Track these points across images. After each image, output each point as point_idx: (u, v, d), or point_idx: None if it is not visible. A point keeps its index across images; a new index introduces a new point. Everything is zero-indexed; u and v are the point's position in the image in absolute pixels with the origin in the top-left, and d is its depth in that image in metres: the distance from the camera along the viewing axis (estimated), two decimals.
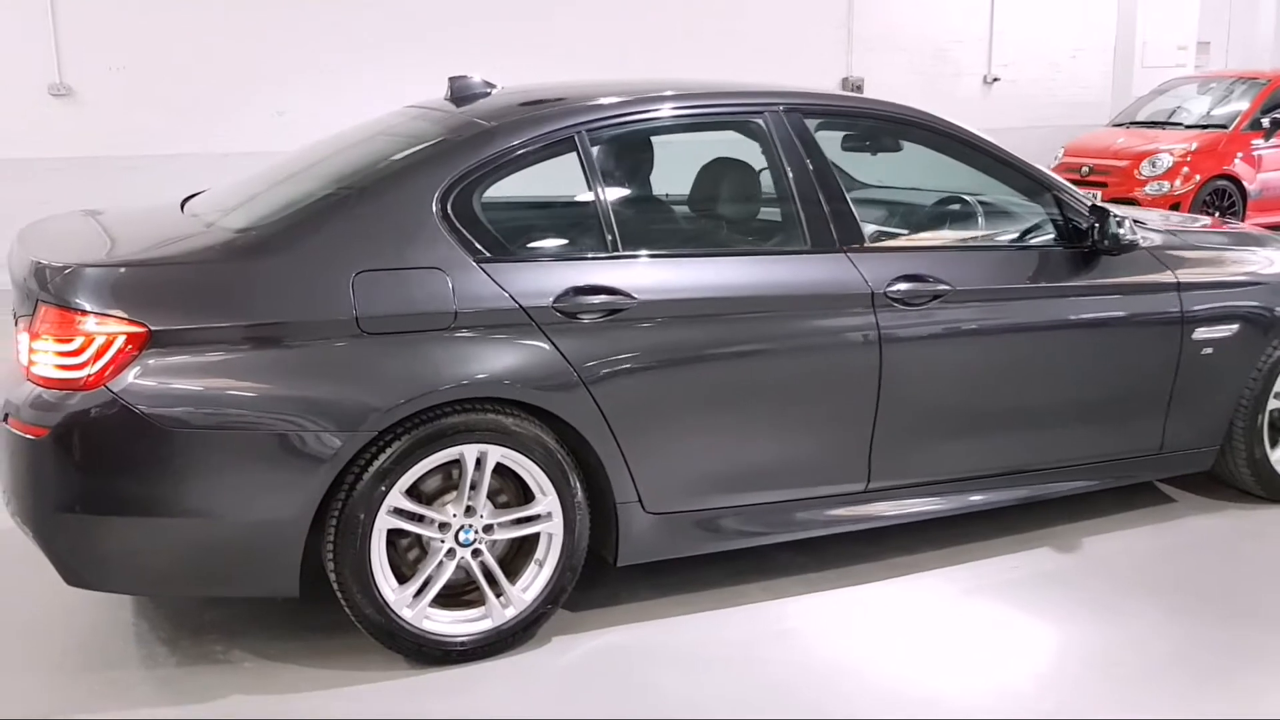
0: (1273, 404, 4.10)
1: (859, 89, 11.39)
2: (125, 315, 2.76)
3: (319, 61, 9.20)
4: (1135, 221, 3.99)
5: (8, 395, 2.89)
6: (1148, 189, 10.22)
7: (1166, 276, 3.84)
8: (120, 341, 2.75)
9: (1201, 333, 3.88)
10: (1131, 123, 11.29)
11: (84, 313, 2.77)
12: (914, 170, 4.32)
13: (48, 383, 2.79)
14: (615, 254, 3.21)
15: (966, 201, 3.96)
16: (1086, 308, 3.75)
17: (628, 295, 3.14)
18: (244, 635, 3.25)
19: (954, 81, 11.97)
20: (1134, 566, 3.72)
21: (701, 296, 3.24)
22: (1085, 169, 10.71)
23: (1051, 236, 3.80)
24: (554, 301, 3.07)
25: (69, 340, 2.76)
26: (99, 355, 2.75)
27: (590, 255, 3.21)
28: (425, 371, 2.93)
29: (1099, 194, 10.44)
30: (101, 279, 2.82)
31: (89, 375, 2.75)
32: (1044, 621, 3.37)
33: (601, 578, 3.49)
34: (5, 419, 2.87)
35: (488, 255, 3.07)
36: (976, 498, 3.73)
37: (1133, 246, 3.70)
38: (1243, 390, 4.02)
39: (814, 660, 3.16)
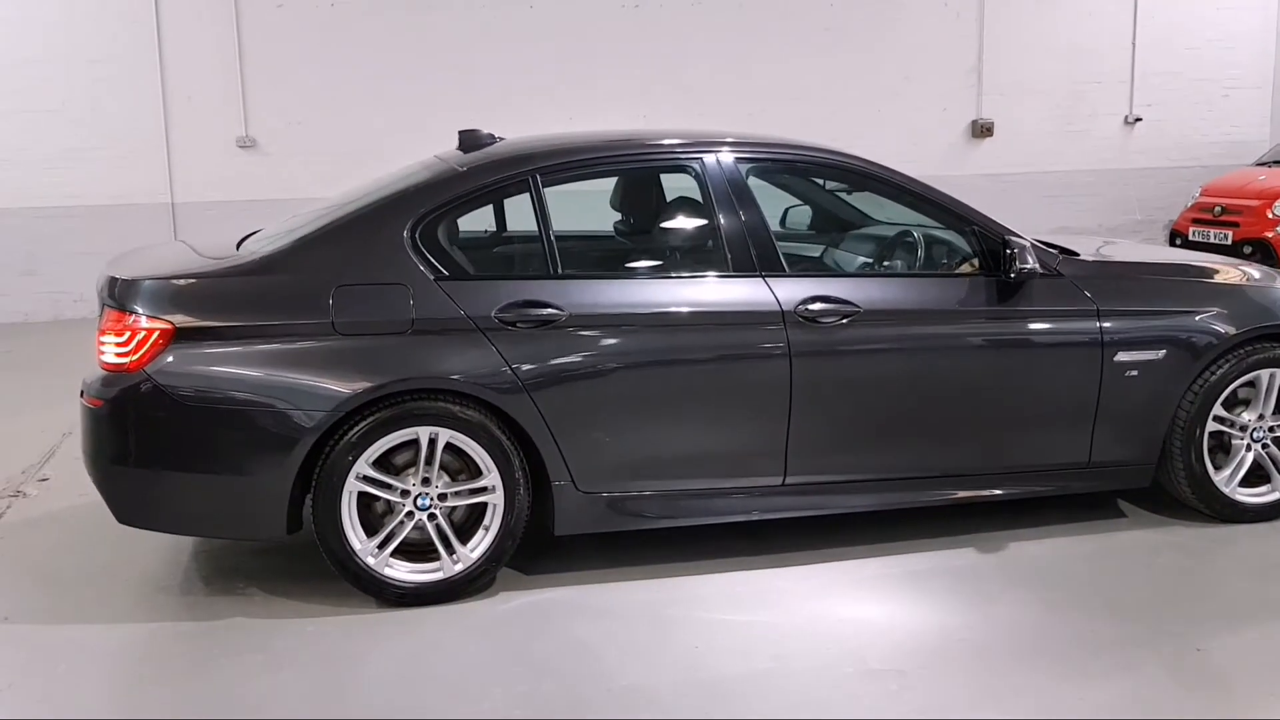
0: (1211, 425, 4.33)
1: (989, 131, 11.61)
2: (158, 315, 3.64)
3: (473, 118, 10.25)
4: (1066, 253, 4.35)
5: (86, 378, 3.82)
6: None
7: (1086, 304, 4.18)
8: (155, 336, 3.63)
9: (1125, 356, 4.19)
10: (1275, 162, 11.04)
11: (132, 313, 3.67)
12: (856, 206, 4.80)
13: (107, 367, 3.70)
14: (553, 275, 3.89)
15: (889, 233, 4.42)
16: (997, 330, 4.14)
17: (558, 309, 3.80)
18: (260, 576, 4.07)
19: (1090, 122, 11.97)
20: (1039, 568, 4.06)
21: (624, 311, 3.87)
22: (1218, 209, 10.57)
23: (969, 266, 4.21)
24: (496, 312, 3.77)
25: (121, 334, 3.66)
26: (140, 346, 3.64)
27: (532, 276, 3.91)
28: (385, 366, 3.68)
29: (1230, 234, 10.33)
30: (144, 288, 3.71)
31: (132, 361, 3.64)
32: (924, 606, 3.79)
33: (564, 549, 4.14)
34: (82, 395, 3.80)
35: (446, 275, 3.80)
36: (894, 497, 4.18)
37: (1031, 275, 4.07)
38: (1177, 411, 4.28)
39: (711, 620, 3.70)
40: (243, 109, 10.01)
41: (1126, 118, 12.11)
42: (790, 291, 3.98)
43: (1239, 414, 4.40)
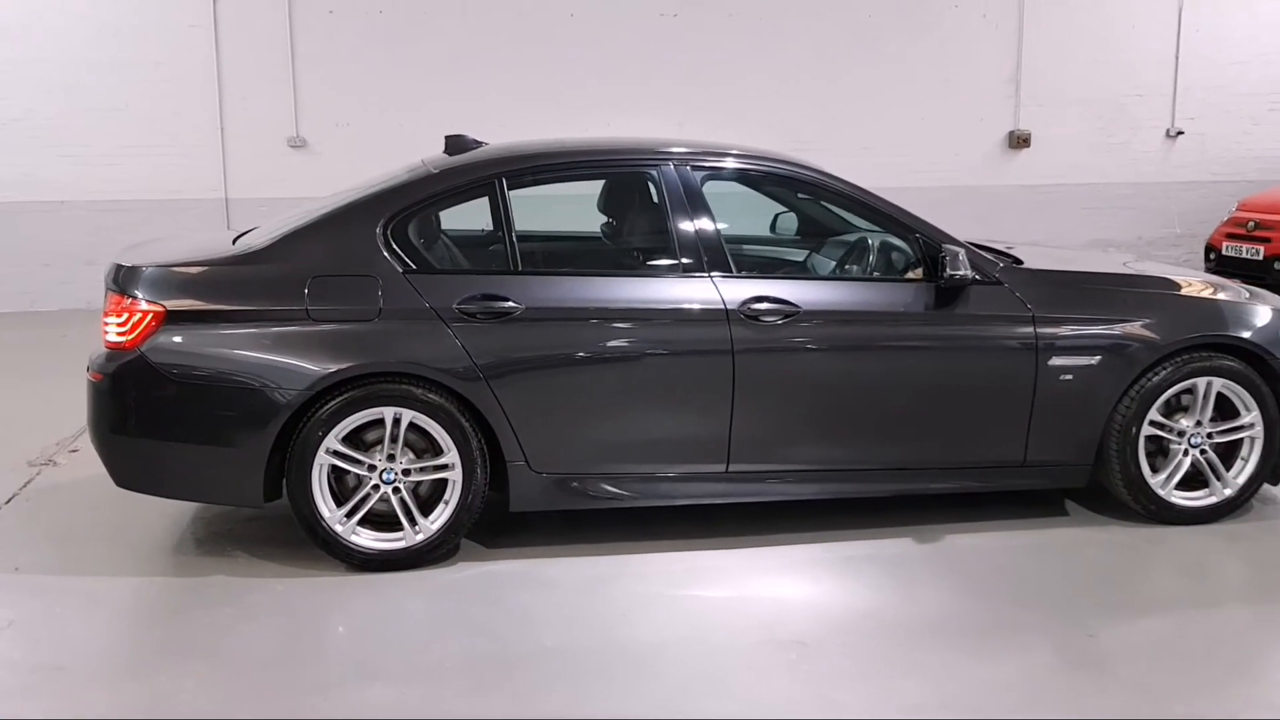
0: (1148, 429, 4.51)
1: (1025, 142, 11.69)
2: (152, 299, 4.04)
3: (514, 121, 10.64)
4: (1013, 260, 4.57)
5: (91, 355, 4.24)
6: None
7: (1022, 310, 4.38)
8: (149, 318, 4.03)
9: (1060, 361, 4.39)
10: None
11: (131, 297, 4.08)
12: (808, 213, 5.05)
13: (108, 345, 4.12)
14: (512, 271, 4.22)
15: (848, 239, 4.66)
16: (931, 332, 4.37)
17: (516, 302, 4.13)
18: (246, 540, 4.47)
19: (1130, 134, 11.97)
20: (968, 558, 4.29)
21: (577, 306, 4.19)
22: (1251, 224, 10.54)
23: (911, 272, 4.44)
24: (457, 304, 4.11)
25: (120, 316, 4.07)
26: (135, 327, 4.04)
27: (493, 272, 4.25)
28: (353, 350, 4.04)
29: (1262, 249, 10.30)
30: (142, 275, 4.11)
31: (129, 340, 4.05)
32: (845, 588, 4.05)
33: (528, 526, 4.47)
34: (88, 370, 4.22)
35: (414, 268, 4.16)
36: (833, 487, 4.43)
37: (964, 281, 4.29)
38: (1113, 415, 4.46)
39: (647, 593, 4.00)
40: (294, 110, 10.52)
41: (1168, 131, 12.09)
42: (735, 291, 4.26)
43: (1178, 420, 4.56)
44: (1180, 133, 12.09)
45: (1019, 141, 11.73)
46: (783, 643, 3.62)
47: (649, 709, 3.23)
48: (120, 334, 4.07)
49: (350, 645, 3.70)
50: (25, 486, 5.18)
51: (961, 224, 11.15)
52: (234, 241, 4.46)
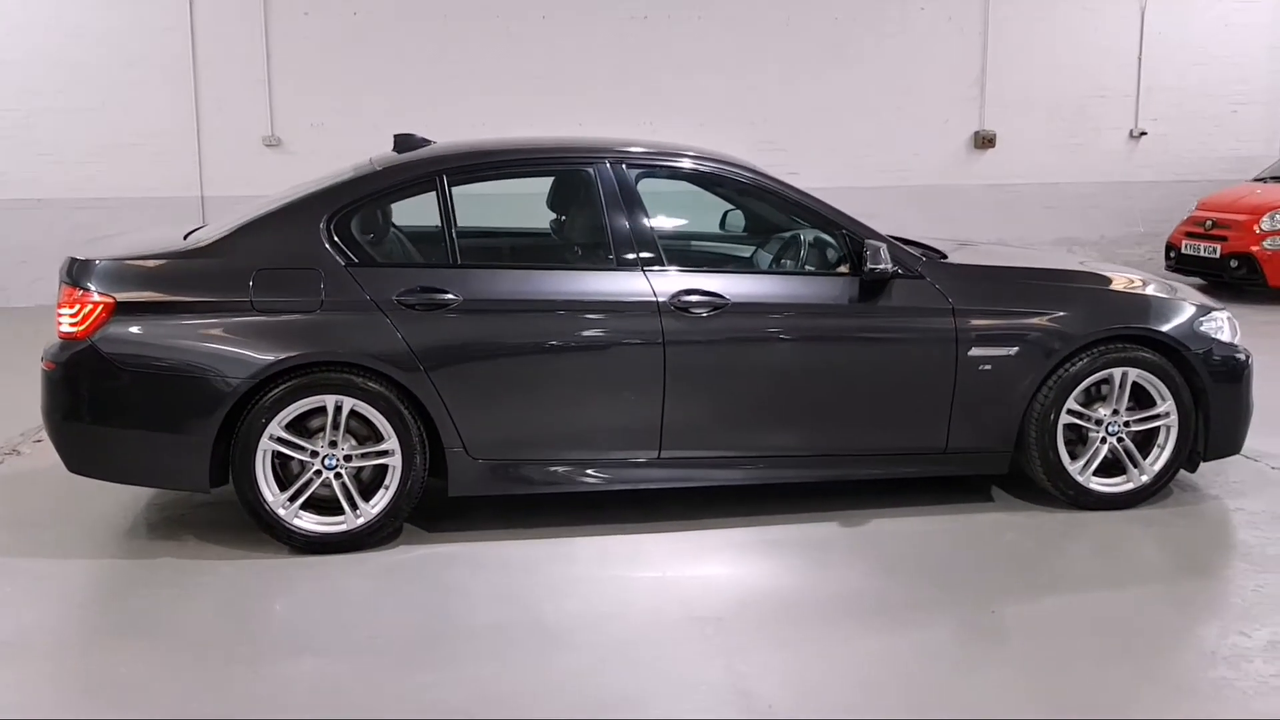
0: (1066, 418, 4.69)
1: (990, 143, 11.89)
2: (102, 291, 4.20)
3: (486, 122, 10.80)
4: (936, 255, 4.76)
5: (46, 345, 4.40)
6: (1266, 243, 10.19)
7: (941, 303, 4.57)
8: (99, 309, 4.20)
9: (978, 351, 4.57)
10: (1273, 178, 11.17)
11: (83, 289, 4.24)
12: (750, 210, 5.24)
13: (61, 335, 4.28)
14: (451, 265, 4.40)
15: (767, 234, 4.85)
16: (854, 324, 4.55)
17: (453, 294, 4.30)
18: (197, 525, 4.64)
19: (1094, 135, 12.18)
20: (890, 541, 4.46)
21: (513, 298, 4.37)
22: (1209, 223, 10.76)
23: (838, 266, 4.62)
24: (397, 296, 4.28)
25: (72, 307, 4.24)
26: (86, 318, 4.21)
27: (432, 265, 4.43)
28: (295, 340, 4.21)
29: (1219, 248, 10.51)
30: (93, 268, 4.28)
31: (80, 330, 4.21)
32: (767, 568, 4.23)
33: (476, 512, 4.64)
34: (43, 360, 4.38)
35: (355, 262, 4.33)
36: (761, 473, 4.62)
37: (884, 274, 4.47)
38: (1031, 403, 4.64)
39: (578, 574, 4.17)
40: (269, 110, 10.69)
41: (1131, 132, 12.30)
42: (666, 284, 4.43)
43: (1096, 409, 4.74)
44: (1143, 133, 12.30)
45: (984, 142, 11.94)
46: (699, 619, 3.79)
47: (563, 679, 3.40)
48: (73, 325, 4.24)
49: (286, 622, 3.87)
50: None
51: (927, 223, 11.46)
52: (185, 237, 4.62)
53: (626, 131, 10.02)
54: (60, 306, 4.32)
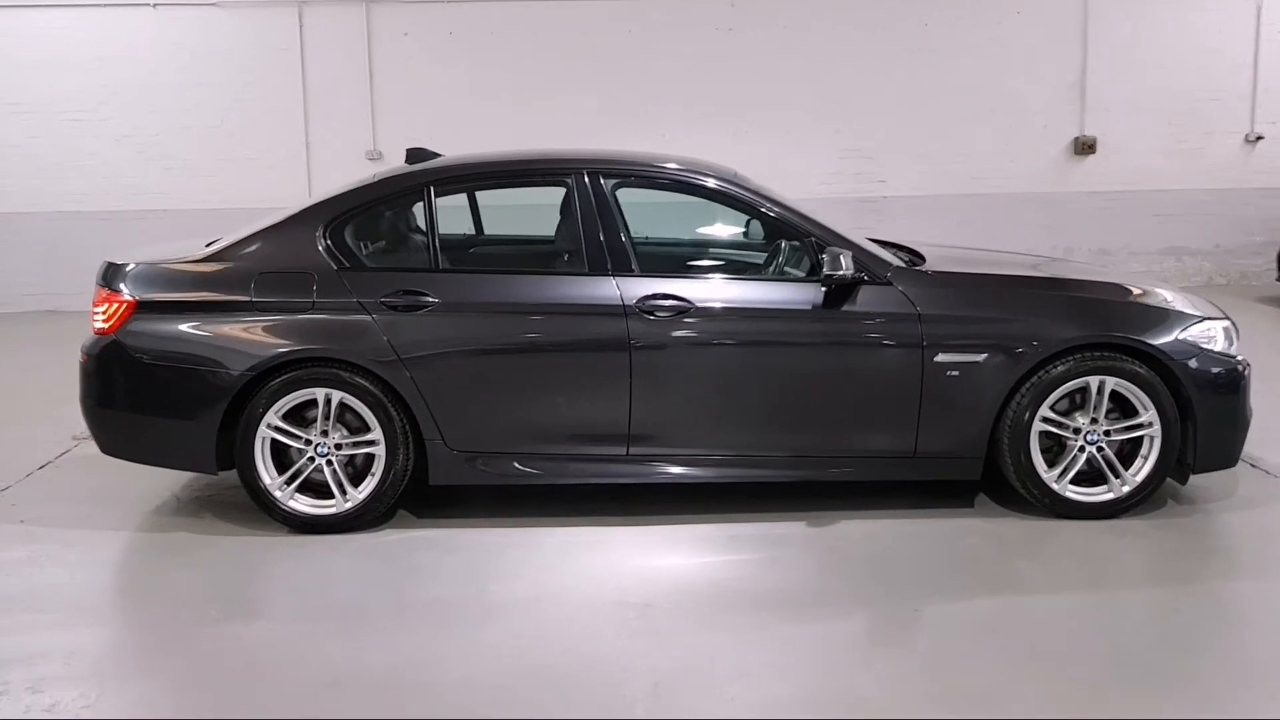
0: (1041, 425, 4.68)
1: (1091, 148, 11.60)
2: (125, 291, 4.70)
3: (576, 135, 11.20)
4: (914, 262, 4.83)
5: (83, 341, 4.93)
6: None
7: (908, 309, 4.64)
8: (124, 308, 4.70)
9: (945, 357, 4.62)
10: None
11: (112, 290, 4.75)
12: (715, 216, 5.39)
13: (95, 331, 4.80)
14: (432, 269, 4.73)
15: (737, 242, 5.00)
16: (818, 328, 4.66)
17: (433, 297, 4.63)
18: (217, 505, 5.11)
19: (1206, 139, 11.72)
20: (846, 541, 4.56)
21: (488, 301, 4.67)
22: None
23: (812, 272, 4.74)
24: (382, 298, 4.64)
25: (103, 306, 4.75)
26: (113, 315, 4.71)
27: (415, 269, 4.78)
28: (288, 338, 4.61)
29: None
30: (120, 271, 4.79)
31: (109, 326, 4.72)
32: (714, 560, 4.41)
33: (462, 499, 4.96)
34: (81, 353, 4.92)
35: (347, 266, 4.71)
36: (728, 472, 4.78)
37: (843, 280, 4.56)
38: (1005, 410, 4.66)
39: (538, 559, 4.43)
40: (372, 125, 11.35)
41: (1247, 136, 11.80)
42: (635, 289, 4.66)
43: (1074, 417, 4.72)
44: (1260, 138, 11.78)
45: (1084, 147, 11.65)
46: (631, 604, 4.00)
47: (484, 650, 3.67)
48: (103, 322, 4.75)
49: (257, 591, 4.27)
50: (60, 456, 5.97)
51: (1025, 231, 11.25)
52: (207, 245, 5.10)
53: (711, 142, 10.34)
54: (94, 305, 4.84)
